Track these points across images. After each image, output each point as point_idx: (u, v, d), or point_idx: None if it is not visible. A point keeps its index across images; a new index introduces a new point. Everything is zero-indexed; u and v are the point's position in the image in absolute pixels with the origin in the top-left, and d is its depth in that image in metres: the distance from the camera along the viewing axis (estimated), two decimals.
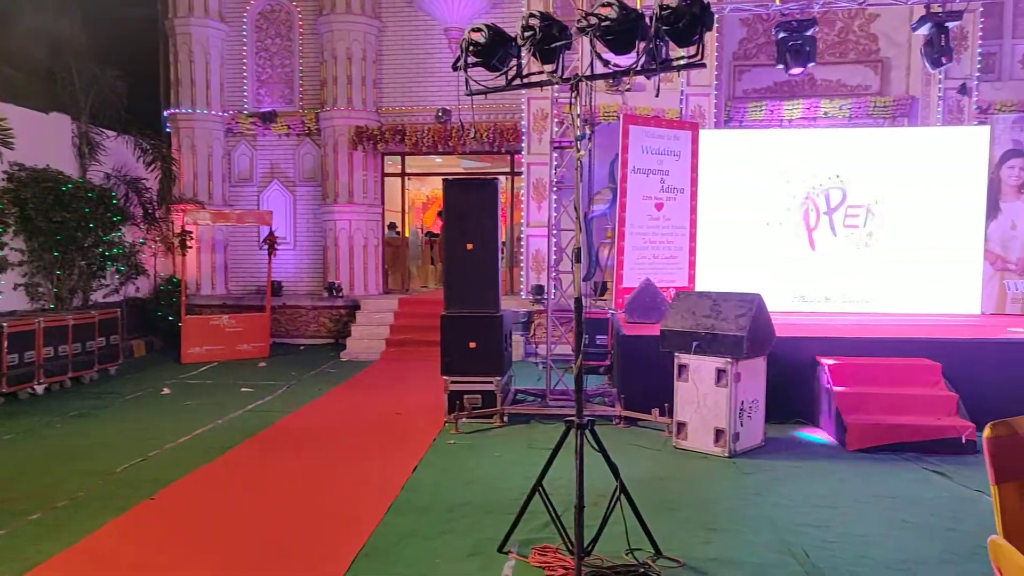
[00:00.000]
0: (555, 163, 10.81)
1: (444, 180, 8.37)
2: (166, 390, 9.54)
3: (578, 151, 5.94)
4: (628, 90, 10.31)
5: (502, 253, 14.37)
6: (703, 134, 10.54)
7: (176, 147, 13.81)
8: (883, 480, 5.85)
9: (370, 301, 13.13)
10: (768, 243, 10.58)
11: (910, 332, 8.45)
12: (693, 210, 10.36)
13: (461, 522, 4.90)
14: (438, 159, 15.00)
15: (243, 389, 9.49)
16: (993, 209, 10.15)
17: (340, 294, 13.33)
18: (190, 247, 12.96)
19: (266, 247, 12.45)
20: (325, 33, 13.66)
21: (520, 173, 12.61)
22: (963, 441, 6.61)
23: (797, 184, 10.48)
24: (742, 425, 6.68)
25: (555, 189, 9.16)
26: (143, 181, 12.58)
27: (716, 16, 10.50)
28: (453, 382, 7.93)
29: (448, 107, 12.91)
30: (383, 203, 14.26)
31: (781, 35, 8.72)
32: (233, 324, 11.91)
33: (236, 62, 14.15)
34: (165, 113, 14.06)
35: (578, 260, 4.73)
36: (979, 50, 10.79)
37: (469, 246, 8.15)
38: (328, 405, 8.77)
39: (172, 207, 13.14)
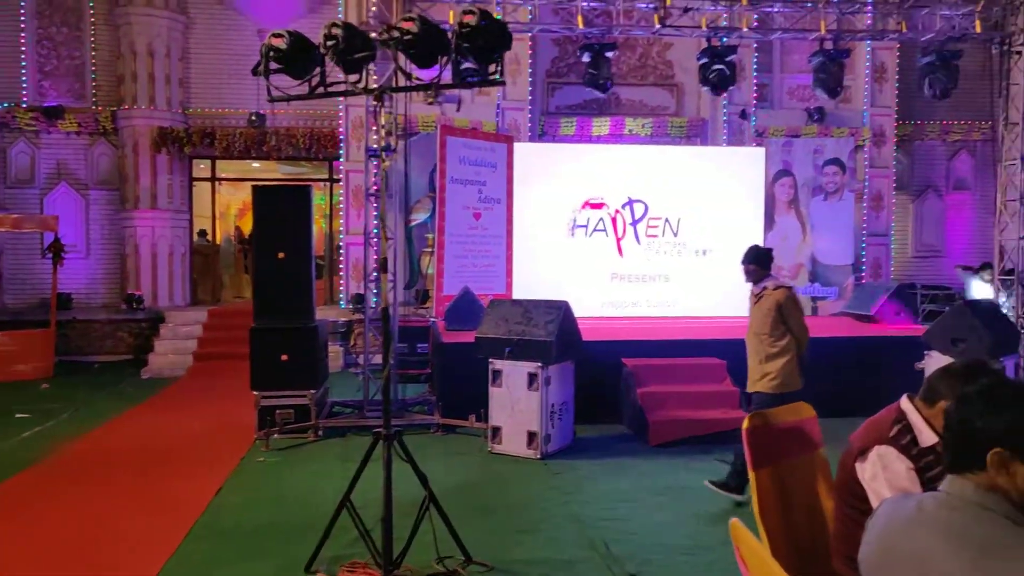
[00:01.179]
0: (374, 171, 10.74)
1: (254, 187, 8.07)
2: None
3: (384, 161, 5.96)
4: (433, 102, 10.45)
5: (322, 261, 14.09)
6: (518, 147, 10.91)
7: None
8: (677, 472, 6.35)
9: (176, 313, 12.31)
10: (581, 250, 11.11)
11: (703, 334, 9.24)
12: (510, 220, 10.69)
13: (267, 544, 4.73)
14: (256, 164, 14.36)
15: (18, 416, 8.49)
16: (770, 221, 11.34)
17: (141, 306, 12.38)
18: None
19: (51, 256, 11.27)
20: (123, 26, 12.67)
21: (339, 180, 12.38)
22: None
23: (606, 196, 11.11)
24: (553, 427, 6.98)
25: (373, 197, 9.10)
26: None
27: (529, 35, 10.93)
28: (264, 397, 7.63)
29: (263, 111, 12.41)
30: (191, 209, 13.43)
31: (584, 57, 9.24)
32: (5, 342, 10.65)
33: (11, 49, 12.71)
34: None
35: (384, 270, 4.74)
36: (755, 81, 12.05)
37: (281, 255, 7.89)
38: (124, 428, 8.10)
39: None
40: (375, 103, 4.64)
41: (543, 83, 12.41)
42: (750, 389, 5.78)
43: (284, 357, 7.78)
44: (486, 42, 4.44)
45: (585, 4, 8.94)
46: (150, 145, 12.65)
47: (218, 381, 10.33)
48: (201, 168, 13.73)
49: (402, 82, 4.70)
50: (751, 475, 3.23)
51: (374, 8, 9.07)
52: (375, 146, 7.71)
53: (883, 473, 2.60)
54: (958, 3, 9.21)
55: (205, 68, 12.93)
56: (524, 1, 9.33)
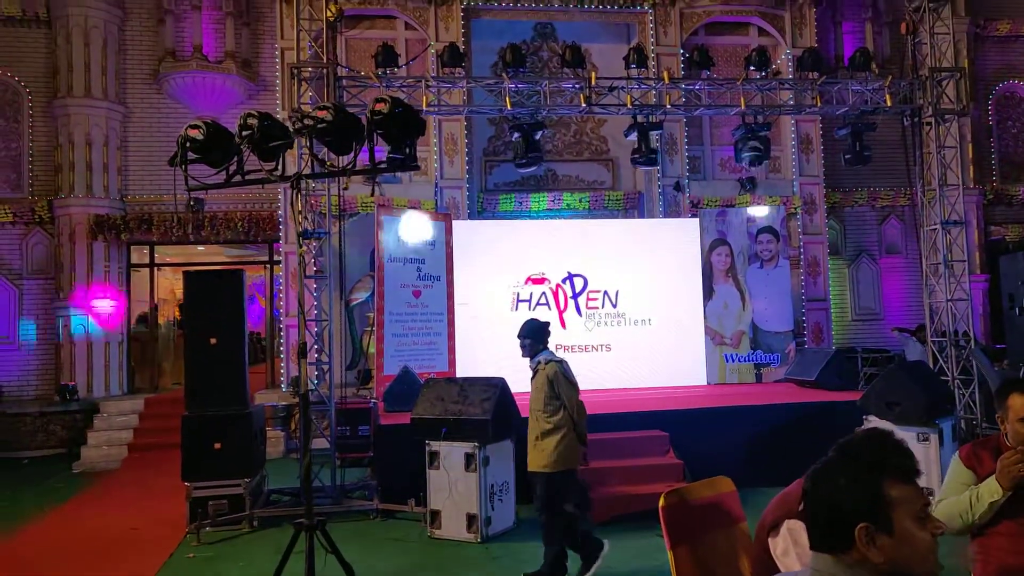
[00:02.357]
0: (315, 252, 10.70)
1: (185, 273, 7.98)
2: None
3: (300, 247, 5.95)
4: (347, 182, 10.57)
5: (265, 344, 13.84)
6: (457, 224, 11.03)
7: None
8: (616, 551, 6.21)
9: (112, 403, 11.91)
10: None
11: (645, 405, 9.23)
12: (450, 296, 10.69)
13: None
14: (200, 247, 14.22)
15: None
16: (708, 291, 11.55)
17: (75, 397, 11.96)
18: None
19: None
20: (61, 116, 12.65)
21: (280, 262, 12.32)
22: None
23: (547, 271, 11.22)
24: (493, 509, 6.83)
25: (309, 279, 9.05)
26: None
27: (463, 115, 11.19)
28: (196, 487, 7.36)
29: (201, 196, 12.36)
30: (129, 296, 13.17)
31: (514, 137, 9.48)
32: None
33: None
34: None
35: (303, 355, 4.68)
36: (687, 154, 12.47)
37: (213, 340, 7.76)
38: (50, 526, 7.70)
39: None
40: (292, 191, 4.66)
41: (480, 161, 12.66)
42: (530, 469, 5.62)
43: (217, 445, 7.57)
44: (399, 128, 4.54)
45: (513, 86, 9.23)
46: (86, 233, 12.47)
47: (153, 472, 9.94)
48: (140, 254, 13.53)
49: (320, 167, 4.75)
50: (669, 554, 3.19)
51: (310, 95, 9.21)
52: (318, 227, 7.74)
53: (794, 548, 2.58)
54: (867, 79, 9.72)
55: (143, 156, 12.91)
56: (453, 84, 9.59)
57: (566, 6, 12.46)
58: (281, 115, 10.83)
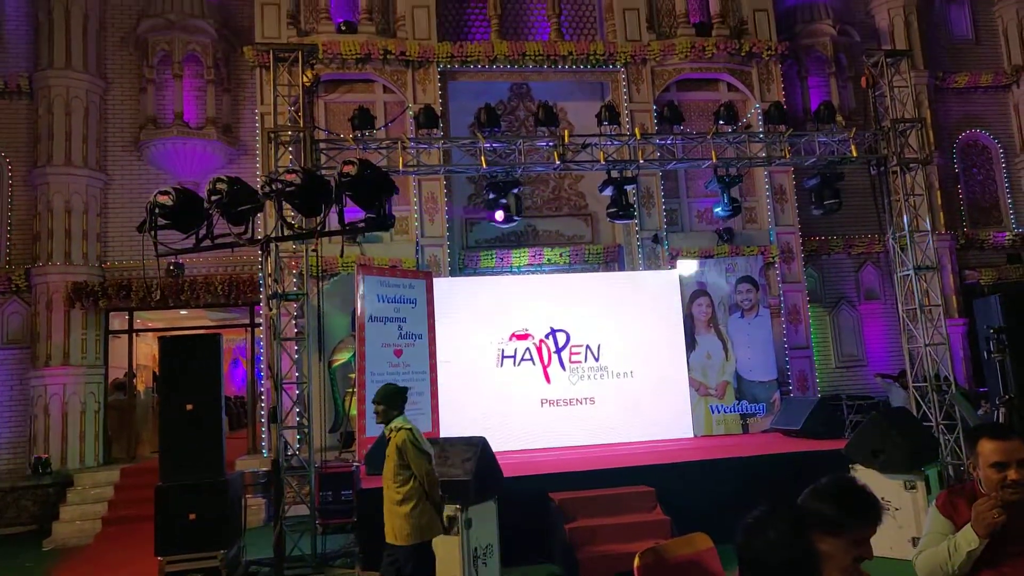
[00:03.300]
0: (296, 314, 10.66)
1: (160, 338, 7.89)
2: None
3: (270, 309, 5.94)
4: (351, 243, 10.63)
5: (244, 410, 13.64)
6: (438, 282, 11.04)
7: None
8: None
9: (86, 475, 11.62)
10: (510, 380, 11.09)
11: (630, 460, 9.13)
12: (432, 355, 10.62)
13: None
14: (183, 311, 14.11)
15: None
16: (691, 341, 11.56)
17: (48, 470, 11.67)
18: None
19: None
20: (40, 185, 12.67)
21: (260, 325, 12.23)
22: None
23: (530, 326, 11.22)
24: (477, 572, 6.65)
25: (287, 341, 8.99)
26: None
27: (441, 174, 11.33)
28: (170, 562, 7.15)
29: (181, 260, 12.31)
30: (107, 363, 12.99)
31: (491, 195, 9.59)
32: None
33: None
34: None
35: (274, 420, 4.60)
36: (664, 206, 12.63)
37: (189, 406, 7.63)
38: None
39: None
40: (262, 254, 4.66)
41: (461, 219, 12.75)
42: (388, 541, 5.45)
43: (192, 516, 7.38)
44: (368, 190, 4.57)
45: (488, 145, 9.38)
46: (64, 301, 12.37)
47: (126, 546, 9.64)
48: (118, 321, 13.40)
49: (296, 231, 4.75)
50: None
51: (289, 159, 9.31)
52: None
53: None
54: (833, 131, 9.96)
55: (123, 222, 12.90)
56: (429, 145, 9.73)
57: (540, 67, 12.76)
58: (260, 179, 10.91)
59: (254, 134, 12.81)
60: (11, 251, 12.83)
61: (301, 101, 9.08)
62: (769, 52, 13.22)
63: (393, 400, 5.56)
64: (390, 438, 5.43)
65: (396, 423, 5.49)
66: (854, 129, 10.00)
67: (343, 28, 12.41)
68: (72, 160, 12.68)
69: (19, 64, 13.13)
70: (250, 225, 4.68)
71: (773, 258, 12.86)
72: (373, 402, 5.58)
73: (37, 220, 12.69)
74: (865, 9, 15.55)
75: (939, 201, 14.60)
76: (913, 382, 10.11)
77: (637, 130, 9.85)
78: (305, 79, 8.43)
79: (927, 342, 9.82)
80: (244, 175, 12.76)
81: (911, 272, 9.91)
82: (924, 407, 9.75)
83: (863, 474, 7.72)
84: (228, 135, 13.26)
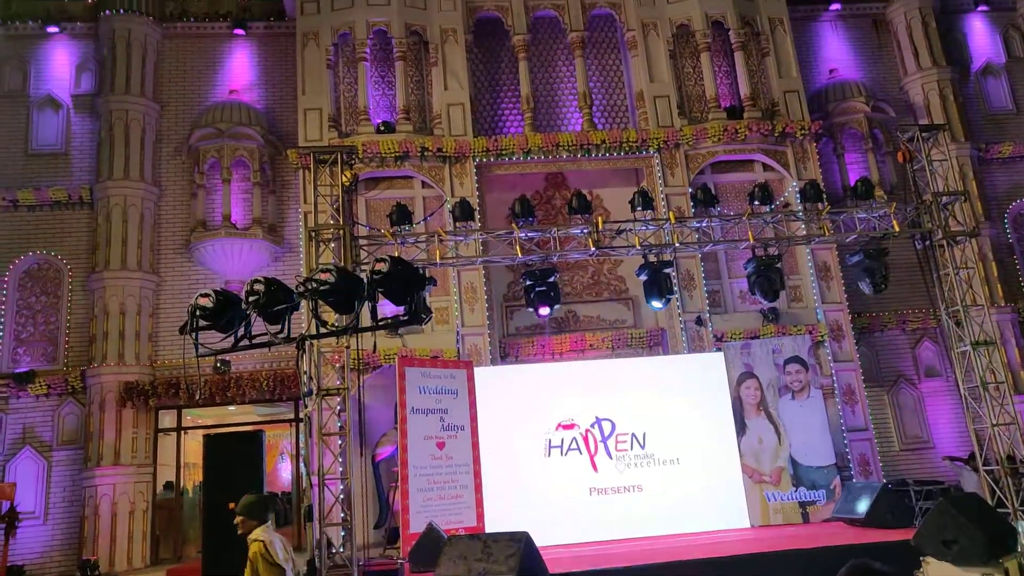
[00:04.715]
0: (338, 408, 10.68)
1: (204, 436, 7.96)
2: None
3: (306, 407, 5.93)
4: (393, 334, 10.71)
5: (291, 506, 13.55)
6: (479, 371, 10.99)
7: None
8: None
9: None
10: (558, 471, 10.83)
11: (685, 553, 8.70)
12: (475, 446, 10.47)
13: None
14: (231, 407, 14.28)
15: None
16: (741, 426, 11.18)
17: (96, 572, 11.64)
18: None
19: (3, 526, 10.77)
20: (97, 289, 13.18)
21: (304, 421, 12.25)
22: None
23: (575, 416, 11.01)
24: None
25: (329, 437, 8.98)
26: None
27: (479, 264, 11.44)
28: None
29: (227, 358, 12.58)
30: (156, 462, 13.11)
31: (528, 283, 9.64)
32: None
33: None
34: None
35: (309, 519, 4.52)
36: (706, 288, 12.50)
37: (232, 505, 7.59)
38: None
39: None
40: (298, 352, 4.71)
41: (501, 307, 12.81)
42: None
43: None
44: (400, 286, 4.62)
45: (524, 235, 9.49)
46: (116, 400, 12.64)
47: None
48: (167, 419, 13.59)
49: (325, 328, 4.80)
50: None
51: (332, 256, 9.55)
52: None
53: None
54: (872, 207, 9.84)
55: (174, 322, 13.26)
56: (465, 236, 9.88)
57: (574, 156, 13.02)
58: (297, 278, 11.18)
59: (297, 232, 13.22)
60: (69, 353, 13.25)
61: (341, 200, 9.40)
62: (803, 131, 13.28)
63: (253, 510, 5.45)
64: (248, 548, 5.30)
65: (254, 534, 5.35)
66: (894, 204, 9.86)
67: (382, 128, 12.92)
68: (127, 264, 13.21)
69: (82, 177, 13.91)
70: (286, 324, 4.73)
71: (822, 337, 12.51)
72: (236, 513, 5.46)
73: (93, 323, 13.14)
74: (898, 86, 15.60)
75: (995, 272, 14.13)
76: (984, 465, 9.55)
77: (672, 214, 9.89)
78: (345, 179, 8.74)
79: (994, 422, 9.32)
80: (289, 272, 13.25)
81: (969, 348, 9.52)
82: (998, 492, 9.17)
83: (935, 568, 7.20)
84: (273, 234, 13.69)
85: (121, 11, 14.06)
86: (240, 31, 14.63)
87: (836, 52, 15.78)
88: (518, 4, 13.77)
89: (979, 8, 16.23)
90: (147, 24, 14.20)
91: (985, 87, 16.00)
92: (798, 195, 12.15)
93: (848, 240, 10.17)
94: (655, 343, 12.62)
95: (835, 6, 15.73)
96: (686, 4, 13.85)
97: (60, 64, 14.51)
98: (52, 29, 14.42)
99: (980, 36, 16.31)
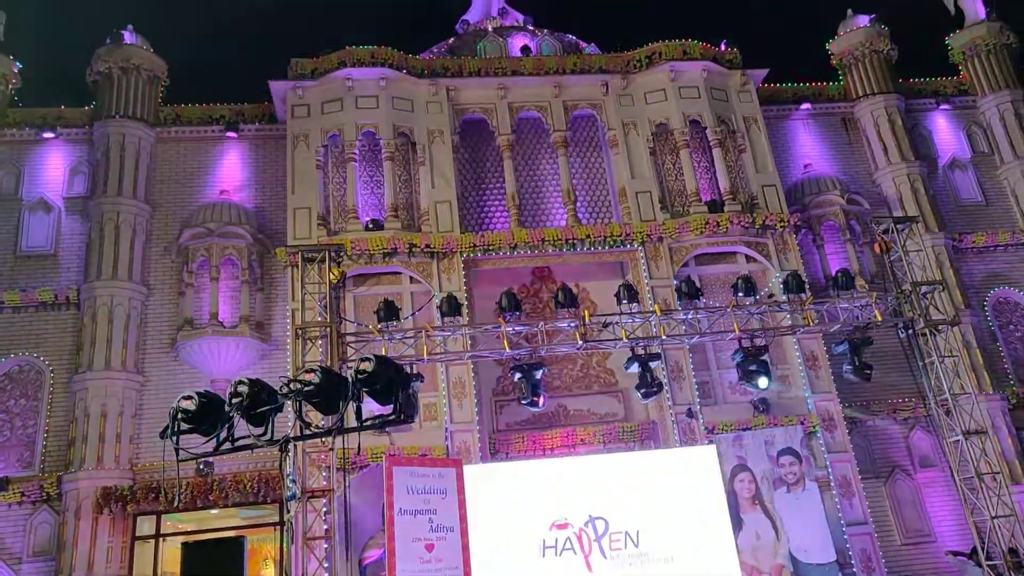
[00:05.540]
0: (324, 510, 10.38)
1: (183, 544, 7.67)
2: None
3: (288, 512, 5.78)
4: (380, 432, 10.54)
5: None
6: (469, 469, 10.74)
7: None
8: None
9: None
10: (552, 572, 10.46)
11: None
12: (466, 547, 10.10)
13: None
14: (214, 511, 13.77)
15: None
16: (737, 521, 10.92)
17: None
18: None
19: None
20: (79, 391, 12.94)
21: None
22: None
23: (568, 515, 10.76)
24: None
25: (314, 541, 8.68)
26: None
27: (468, 359, 11.38)
28: None
29: (210, 460, 12.26)
30: (131, 572, 12.51)
31: (517, 377, 9.59)
32: None
33: None
34: None
35: None
36: (695, 379, 12.46)
37: None
38: None
39: None
40: (281, 454, 4.62)
41: (490, 402, 12.69)
42: None
43: None
44: (384, 385, 4.59)
45: (511, 329, 9.51)
46: (93, 507, 12.21)
47: None
48: (146, 525, 13.08)
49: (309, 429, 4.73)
50: None
51: (319, 353, 9.50)
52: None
53: None
54: (853, 297, 9.97)
55: (157, 422, 12.92)
56: (453, 331, 9.89)
57: (560, 250, 13.22)
58: (281, 380, 11.06)
59: (285, 329, 13.17)
60: (46, 458, 12.88)
61: (329, 297, 9.43)
62: (782, 223, 13.59)
63: None
64: None
65: None
66: (875, 294, 10.01)
67: (371, 226, 13.13)
68: (111, 365, 13.03)
69: (69, 278, 13.91)
70: (271, 425, 4.66)
71: (814, 427, 12.40)
72: None
73: (73, 426, 12.83)
74: (870, 179, 16.09)
75: (980, 360, 14.14)
76: (987, 559, 9.31)
77: (657, 307, 9.99)
78: (332, 276, 8.81)
79: (993, 514, 9.15)
80: (275, 369, 13.09)
81: (961, 438, 9.45)
82: None
83: None
84: (260, 331, 13.62)
85: (117, 116, 14.43)
86: (232, 134, 14.98)
87: (809, 148, 16.33)
88: (503, 106, 14.29)
89: (941, 107, 16.97)
90: (141, 129, 14.56)
91: (953, 180, 16.52)
92: (781, 286, 12.32)
93: (833, 329, 10.26)
94: (647, 436, 12.47)
95: (805, 106, 16.40)
96: (664, 105, 14.43)
97: (54, 167, 14.76)
98: (48, 134, 14.73)
99: (944, 132, 16.98)
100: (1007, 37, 16.95)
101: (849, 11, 17.17)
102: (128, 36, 15.17)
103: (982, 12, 17.25)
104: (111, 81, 14.68)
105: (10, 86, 15.17)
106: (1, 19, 15.45)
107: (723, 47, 15.33)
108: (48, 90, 16.03)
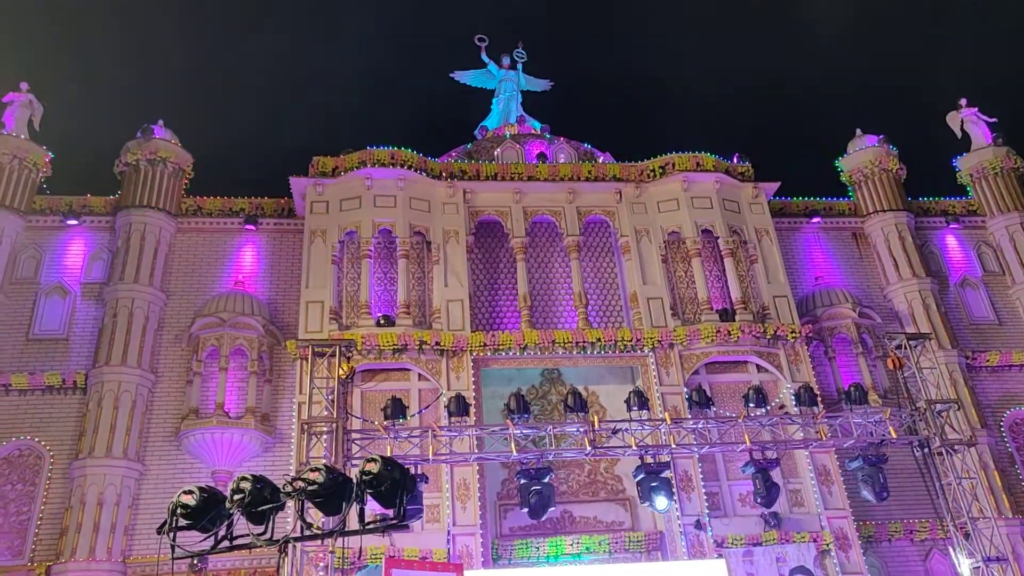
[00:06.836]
0: None
1: None
2: None
3: None
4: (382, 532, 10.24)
5: None
6: (473, 575, 10.38)
7: None
8: None
9: None
10: None
11: None
12: None
13: None
14: None
15: None
16: None
17: None
18: None
19: None
20: (78, 478, 12.72)
21: None
22: None
23: None
24: None
25: None
26: None
27: (474, 459, 11.17)
28: None
29: (207, 558, 11.89)
30: None
31: (523, 482, 9.39)
32: None
33: None
34: None
35: None
36: (704, 490, 12.13)
37: None
38: None
39: None
40: (280, 555, 4.50)
41: (494, 506, 12.38)
42: None
43: None
44: (389, 487, 4.51)
45: (519, 431, 9.38)
46: None
47: None
48: None
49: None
50: None
51: (324, 449, 9.39)
52: None
53: None
54: (867, 412, 9.83)
55: (154, 514, 12.66)
56: (459, 432, 9.76)
57: (570, 353, 13.20)
58: (284, 478, 10.89)
59: (291, 422, 13.02)
60: (37, 547, 12.53)
61: (336, 392, 9.38)
62: (794, 335, 13.57)
63: None
64: None
65: None
66: (888, 410, 9.87)
67: (382, 322, 13.20)
68: (112, 452, 12.85)
69: (79, 362, 13.92)
70: (271, 523, 4.57)
71: (827, 545, 11.96)
72: None
73: (68, 514, 12.53)
74: (881, 293, 16.15)
75: (999, 482, 13.74)
76: None
77: (667, 415, 9.87)
78: (342, 372, 8.80)
79: None
80: (279, 462, 12.89)
81: (981, 565, 9.08)
82: None
83: None
84: (266, 423, 13.47)
85: (141, 206, 14.81)
86: (251, 226, 15.31)
87: (820, 260, 16.51)
88: (517, 209, 14.62)
89: (951, 226, 17.21)
90: (163, 219, 14.92)
91: (965, 298, 16.54)
92: (793, 397, 12.17)
93: (846, 445, 10.06)
94: (654, 547, 12.05)
95: (816, 219, 16.69)
96: (676, 214, 14.72)
97: (74, 253, 15.05)
98: (71, 222, 15.10)
99: (955, 251, 17.16)
100: (1013, 161, 17.36)
101: (858, 130, 17.73)
102: (158, 131, 15.78)
103: (988, 137, 17.76)
104: (138, 172, 15.19)
105: (40, 174, 15.68)
106: (39, 111, 16.15)
107: (735, 160, 15.77)
108: (75, 178, 16.54)
